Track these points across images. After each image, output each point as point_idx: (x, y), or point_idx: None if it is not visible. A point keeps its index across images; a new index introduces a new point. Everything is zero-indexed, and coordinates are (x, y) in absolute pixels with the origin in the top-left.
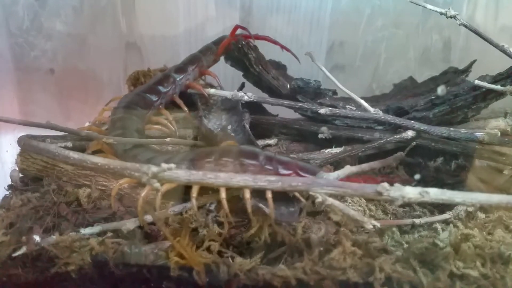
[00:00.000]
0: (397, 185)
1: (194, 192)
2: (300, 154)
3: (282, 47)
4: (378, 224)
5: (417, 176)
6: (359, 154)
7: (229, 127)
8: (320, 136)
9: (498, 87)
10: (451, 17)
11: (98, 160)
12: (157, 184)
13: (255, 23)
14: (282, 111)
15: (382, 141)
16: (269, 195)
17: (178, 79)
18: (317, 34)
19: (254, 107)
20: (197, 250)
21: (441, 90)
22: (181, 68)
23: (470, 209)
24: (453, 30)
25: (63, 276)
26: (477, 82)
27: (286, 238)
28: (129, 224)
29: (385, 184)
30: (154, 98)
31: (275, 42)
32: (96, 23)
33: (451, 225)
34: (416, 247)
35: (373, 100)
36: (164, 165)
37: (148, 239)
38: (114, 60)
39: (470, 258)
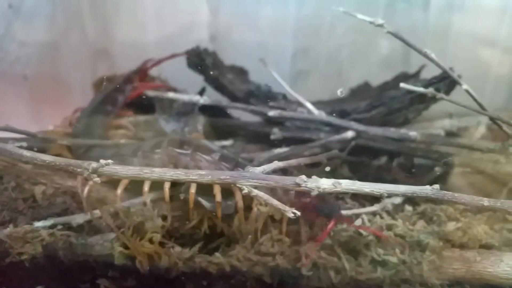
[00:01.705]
0: (314, 177)
1: (146, 187)
2: (252, 154)
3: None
4: (298, 213)
5: (327, 168)
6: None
7: (186, 129)
8: (272, 137)
9: (421, 89)
10: (379, 25)
11: (46, 157)
12: (96, 179)
13: (221, 30)
14: (247, 114)
15: (323, 141)
16: (216, 190)
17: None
18: (281, 41)
19: (216, 111)
20: (140, 241)
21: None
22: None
23: (397, 201)
24: (412, 36)
25: (17, 265)
26: (402, 85)
27: (224, 229)
28: (79, 218)
29: (303, 176)
30: (109, 106)
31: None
32: (68, 30)
33: (378, 216)
34: (340, 235)
35: (329, 104)
36: (102, 161)
37: (96, 232)
38: (85, 67)
39: (391, 245)
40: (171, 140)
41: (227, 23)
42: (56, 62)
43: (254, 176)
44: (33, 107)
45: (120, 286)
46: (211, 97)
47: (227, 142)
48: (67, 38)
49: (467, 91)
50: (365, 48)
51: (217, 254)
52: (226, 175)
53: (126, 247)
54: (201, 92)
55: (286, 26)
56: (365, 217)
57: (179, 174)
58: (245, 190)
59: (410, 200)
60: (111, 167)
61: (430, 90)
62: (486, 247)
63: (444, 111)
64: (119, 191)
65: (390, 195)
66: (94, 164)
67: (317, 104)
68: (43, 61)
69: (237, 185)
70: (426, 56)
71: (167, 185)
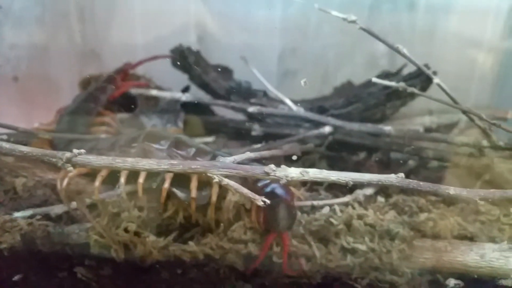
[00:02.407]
0: (283, 166)
1: (122, 178)
2: (232, 150)
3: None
4: (268, 201)
5: (294, 157)
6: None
7: (168, 125)
8: (253, 133)
9: (392, 83)
10: (351, 22)
11: (24, 148)
12: (70, 168)
13: (209, 31)
14: (230, 112)
15: (301, 136)
16: (192, 185)
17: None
18: (268, 41)
19: (198, 108)
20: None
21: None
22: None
23: (368, 192)
24: (396, 36)
25: None
26: (374, 79)
27: (199, 219)
28: (57, 209)
29: (272, 166)
30: (91, 104)
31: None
32: (57, 31)
33: (350, 206)
34: (312, 224)
35: (312, 102)
36: (75, 151)
37: (74, 222)
38: (74, 67)
39: (360, 234)
40: (148, 134)
41: (215, 24)
42: (46, 63)
43: (225, 166)
44: (24, 108)
45: (97, 274)
46: (196, 95)
47: (209, 139)
48: (56, 39)
49: (438, 85)
50: (351, 48)
51: (191, 243)
52: (197, 165)
53: (102, 236)
54: (185, 90)
55: (272, 26)
56: (337, 208)
57: (152, 164)
58: (216, 179)
59: (383, 191)
60: (84, 157)
61: (401, 84)
62: (459, 238)
63: (425, 109)
64: (97, 183)
65: (362, 186)
66: (68, 154)
67: (302, 102)
68: (33, 62)
69: (208, 174)
70: (398, 51)
71: (141, 179)
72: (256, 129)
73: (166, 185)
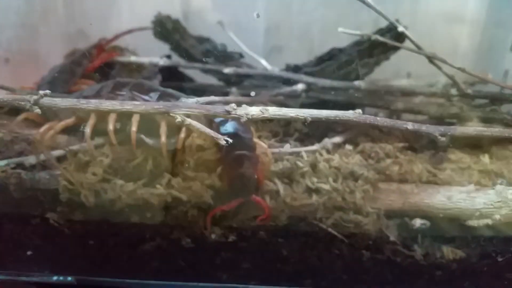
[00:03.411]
0: (244, 105)
1: (90, 123)
2: None
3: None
4: (230, 140)
5: (252, 93)
6: None
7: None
8: (230, 96)
9: (357, 32)
10: None
11: None
12: (37, 110)
13: (194, 9)
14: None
15: (274, 93)
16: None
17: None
18: (253, 17)
19: (177, 75)
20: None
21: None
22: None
23: (336, 141)
24: (381, 9)
25: None
26: (340, 29)
27: (168, 165)
28: (31, 159)
29: (233, 105)
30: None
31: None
32: (47, 12)
33: (317, 153)
34: (278, 167)
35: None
36: (41, 92)
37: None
38: (65, 48)
39: (325, 175)
40: (136, 84)
41: (200, 1)
42: (36, 44)
43: (187, 105)
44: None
45: (68, 220)
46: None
47: None
48: (46, 20)
49: (403, 33)
50: (335, 23)
51: (158, 186)
52: (159, 105)
53: (70, 183)
54: (167, 57)
55: (257, 3)
56: (304, 154)
57: (115, 104)
58: (178, 119)
59: (351, 141)
60: (50, 98)
61: (366, 33)
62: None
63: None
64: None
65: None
66: (35, 96)
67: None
68: (24, 44)
69: (170, 114)
70: (363, 1)
71: (111, 125)
72: (234, 92)
73: (134, 128)
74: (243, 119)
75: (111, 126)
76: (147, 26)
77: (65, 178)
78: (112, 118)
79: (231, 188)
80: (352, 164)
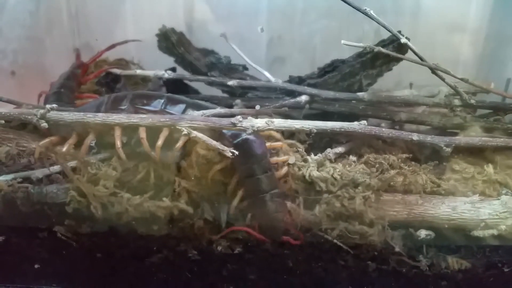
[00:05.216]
0: (249, 117)
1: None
2: None
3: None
4: (236, 152)
5: (257, 107)
6: None
7: None
8: (234, 108)
9: (360, 44)
10: None
11: (2, 109)
12: (44, 124)
13: (197, 21)
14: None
15: (277, 104)
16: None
17: None
18: (256, 29)
19: (182, 88)
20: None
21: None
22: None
23: (338, 151)
24: (383, 20)
25: None
26: (343, 42)
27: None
28: (38, 173)
29: (238, 117)
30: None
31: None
32: (52, 25)
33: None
34: None
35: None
36: (48, 106)
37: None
38: (70, 60)
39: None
40: (135, 95)
41: (203, 14)
42: (42, 57)
43: (193, 118)
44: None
45: (75, 233)
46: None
47: None
48: (51, 33)
49: (406, 44)
50: (336, 34)
51: (165, 199)
52: (165, 118)
53: (81, 194)
54: (172, 70)
55: (259, 15)
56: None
57: (121, 118)
58: (185, 132)
59: (355, 152)
60: (57, 112)
61: (369, 45)
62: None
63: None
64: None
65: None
66: (42, 110)
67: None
68: (29, 56)
69: (177, 126)
70: (365, 13)
71: (118, 142)
72: (238, 104)
73: (143, 134)
74: (249, 131)
75: (118, 143)
76: (134, 39)
77: (77, 189)
78: (118, 133)
79: (262, 230)
80: (354, 172)
